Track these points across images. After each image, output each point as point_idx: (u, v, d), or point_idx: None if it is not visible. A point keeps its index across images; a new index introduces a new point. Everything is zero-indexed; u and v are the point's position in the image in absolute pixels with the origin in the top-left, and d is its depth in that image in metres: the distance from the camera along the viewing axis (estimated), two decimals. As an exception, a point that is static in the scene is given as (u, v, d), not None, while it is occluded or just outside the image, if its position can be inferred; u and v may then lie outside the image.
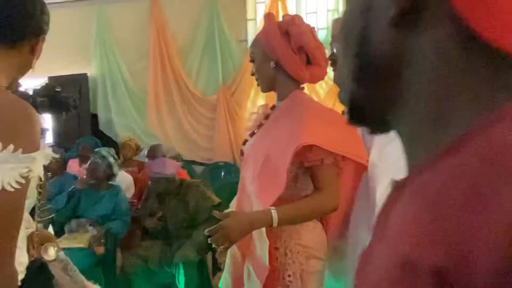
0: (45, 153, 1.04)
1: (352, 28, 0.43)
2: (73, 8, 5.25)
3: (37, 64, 1.18)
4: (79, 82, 5.37)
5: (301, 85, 1.66)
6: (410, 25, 0.38)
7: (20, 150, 0.95)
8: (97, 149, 3.56)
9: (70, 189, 3.34)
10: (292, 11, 4.91)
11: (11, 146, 0.94)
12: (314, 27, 1.69)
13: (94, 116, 5.47)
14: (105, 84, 5.41)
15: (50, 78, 4.98)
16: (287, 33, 1.58)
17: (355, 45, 0.42)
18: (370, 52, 0.41)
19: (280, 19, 5.45)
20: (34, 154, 0.99)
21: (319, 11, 4.93)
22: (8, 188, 0.94)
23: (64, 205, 3.25)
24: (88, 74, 5.47)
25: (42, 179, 1.11)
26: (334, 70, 1.70)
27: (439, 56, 0.37)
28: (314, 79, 1.66)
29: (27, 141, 0.98)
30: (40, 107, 1.12)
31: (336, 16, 4.69)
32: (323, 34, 4.77)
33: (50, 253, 1.26)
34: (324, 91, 4.74)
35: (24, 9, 1.10)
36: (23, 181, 0.96)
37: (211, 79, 5.18)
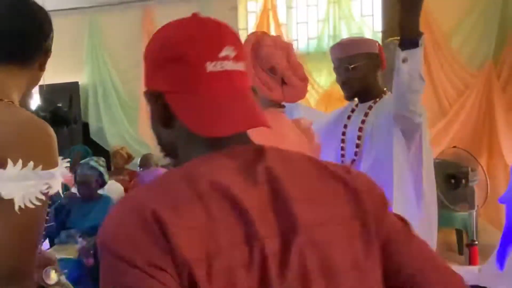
0: (61, 170, 1.06)
1: (152, 127, 0.79)
2: (65, 17, 5.24)
3: None
4: (70, 90, 5.34)
5: (282, 103, 1.67)
6: (170, 127, 0.74)
7: (40, 166, 0.97)
8: (83, 161, 3.51)
9: (57, 203, 3.30)
10: (283, 21, 4.95)
11: (31, 163, 0.95)
12: (292, 44, 1.71)
13: (85, 125, 5.45)
14: (97, 92, 5.40)
15: (41, 86, 4.96)
16: (257, 54, 1.62)
17: (156, 137, 0.80)
18: (163, 141, 0.79)
19: (272, 29, 5.43)
20: (53, 170, 1.01)
21: (309, 21, 4.97)
22: (29, 205, 0.95)
23: (54, 218, 3.22)
24: (79, 83, 5.46)
25: (61, 195, 1.14)
26: (343, 90, 1.95)
27: (182, 139, 0.74)
28: (290, 99, 1.66)
29: (46, 158, 1.00)
30: None
31: (326, 26, 4.74)
32: (313, 44, 4.82)
33: (52, 276, 1.24)
34: (314, 99, 4.77)
35: (41, 30, 1.14)
36: (43, 197, 0.98)
37: (202, 88, 5.19)
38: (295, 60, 1.64)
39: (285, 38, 4.86)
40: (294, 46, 5.21)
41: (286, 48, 1.64)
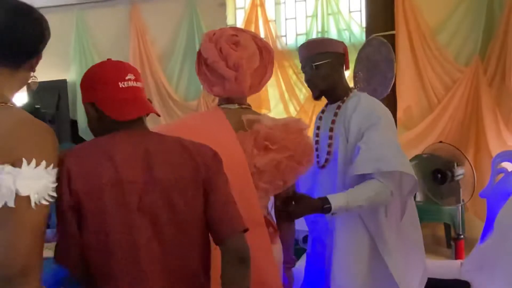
0: None
1: (88, 124, 1.31)
2: (51, 13, 5.15)
3: None
4: (58, 88, 5.32)
5: (236, 100, 1.65)
6: (100, 121, 1.28)
7: (52, 165, 1.02)
8: None
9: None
10: (271, 17, 4.95)
11: (44, 162, 1.00)
12: (230, 34, 1.62)
13: (74, 122, 5.43)
14: (85, 89, 5.36)
15: (28, 84, 4.92)
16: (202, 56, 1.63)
17: (91, 130, 1.32)
18: (95, 130, 1.30)
19: (260, 25, 5.37)
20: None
21: (298, 16, 4.97)
22: (43, 202, 1.00)
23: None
24: (67, 80, 5.43)
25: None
26: (309, 89, 1.97)
27: (105, 125, 1.26)
28: (230, 93, 1.62)
29: (54, 157, 1.05)
30: None
31: (315, 22, 4.75)
32: (302, 40, 4.82)
33: None
34: (304, 96, 4.78)
35: (42, 37, 1.16)
36: (54, 194, 1.03)
37: (191, 84, 5.19)
38: (228, 49, 1.58)
39: (274, 34, 4.87)
40: (283, 42, 5.18)
41: (219, 38, 1.60)
